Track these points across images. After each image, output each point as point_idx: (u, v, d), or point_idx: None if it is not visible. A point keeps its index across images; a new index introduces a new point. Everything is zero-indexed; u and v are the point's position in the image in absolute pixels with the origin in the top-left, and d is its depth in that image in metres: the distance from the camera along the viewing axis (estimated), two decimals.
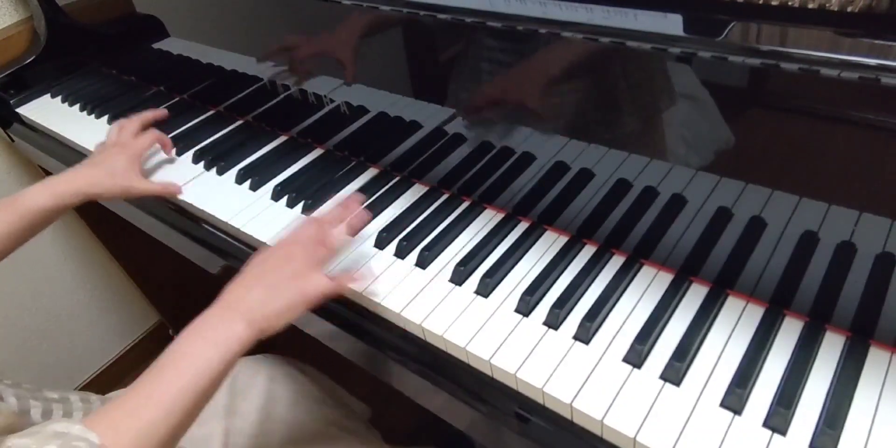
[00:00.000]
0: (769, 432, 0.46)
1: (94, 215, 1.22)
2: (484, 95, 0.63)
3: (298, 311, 0.56)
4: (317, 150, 0.84)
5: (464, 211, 0.69)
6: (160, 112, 0.88)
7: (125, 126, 0.83)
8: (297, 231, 0.61)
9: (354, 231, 0.65)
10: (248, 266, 0.58)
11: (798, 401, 0.47)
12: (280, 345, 0.73)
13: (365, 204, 0.72)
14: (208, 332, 0.52)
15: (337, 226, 0.63)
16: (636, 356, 0.51)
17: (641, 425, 0.47)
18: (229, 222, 0.73)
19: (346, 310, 0.64)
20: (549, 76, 0.56)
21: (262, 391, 0.78)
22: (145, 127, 0.85)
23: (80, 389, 1.07)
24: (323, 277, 0.57)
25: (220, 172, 0.82)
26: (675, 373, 0.50)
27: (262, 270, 0.57)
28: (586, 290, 0.59)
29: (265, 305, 0.54)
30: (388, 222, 0.69)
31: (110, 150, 0.80)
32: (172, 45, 0.93)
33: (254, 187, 0.78)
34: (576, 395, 0.50)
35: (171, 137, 0.90)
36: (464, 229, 0.67)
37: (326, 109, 0.80)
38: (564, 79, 0.56)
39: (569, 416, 0.50)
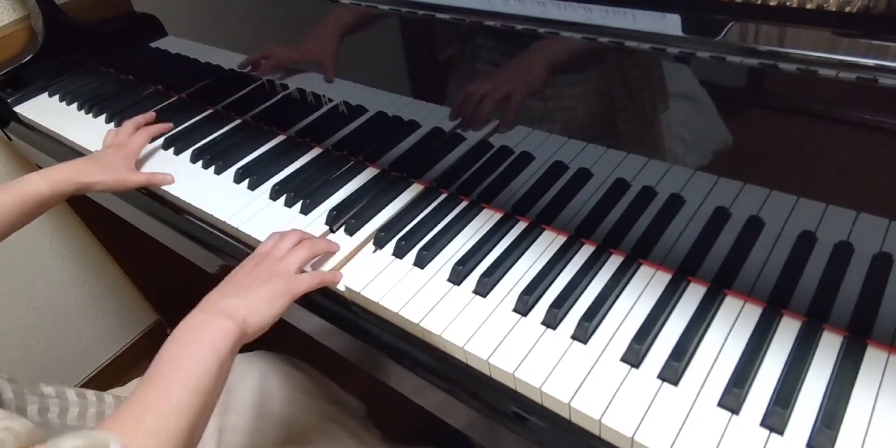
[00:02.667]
0: (766, 432, 0.46)
1: (93, 215, 1.21)
2: (482, 94, 0.62)
3: (281, 303, 0.56)
4: (315, 149, 0.84)
5: (462, 210, 0.69)
6: (150, 115, 0.91)
7: (120, 130, 0.87)
8: (263, 244, 0.64)
9: (325, 249, 0.66)
10: (220, 283, 0.59)
11: (795, 400, 0.47)
12: (274, 342, 0.73)
13: (364, 202, 0.72)
14: (191, 335, 0.52)
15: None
16: (634, 356, 0.52)
17: (639, 425, 0.47)
18: (227, 221, 0.73)
19: (342, 308, 0.64)
20: (546, 76, 0.56)
21: (256, 388, 0.78)
22: (138, 128, 0.88)
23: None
24: (301, 275, 0.59)
25: (219, 172, 0.82)
26: (672, 372, 0.50)
27: (234, 278, 0.59)
28: (584, 289, 0.59)
29: (243, 302, 0.55)
30: (385, 221, 0.69)
31: (106, 149, 0.84)
32: (170, 43, 0.93)
33: (252, 186, 0.78)
34: (574, 395, 0.50)
35: (170, 137, 0.90)
36: (462, 229, 0.67)
37: (325, 109, 0.80)
38: (562, 79, 0.56)
39: (567, 416, 0.51)
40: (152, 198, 0.84)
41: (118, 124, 0.96)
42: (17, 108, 1.05)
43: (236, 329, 0.52)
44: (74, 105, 1.02)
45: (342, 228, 0.70)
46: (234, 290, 0.57)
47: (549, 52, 0.55)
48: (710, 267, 0.56)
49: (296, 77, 0.79)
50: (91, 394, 0.69)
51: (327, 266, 0.65)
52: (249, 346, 0.56)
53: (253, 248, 0.72)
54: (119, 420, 0.46)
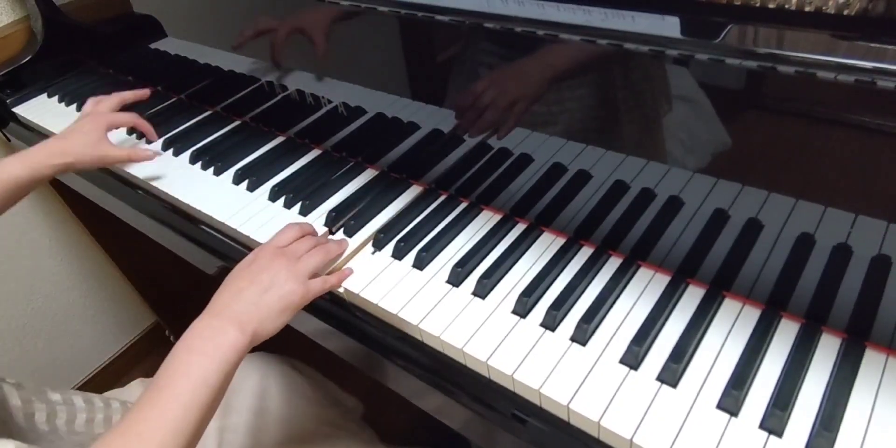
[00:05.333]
0: (765, 434, 0.46)
1: (91, 216, 1.21)
2: (483, 97, 0.62)
3: (290, 311, 0.55)
4: (314, 150, 0.84)
5: (461, 212, 0.69)
6: (141, 92, 0.86)
7: (102, 100, 0.82)
8: (280, 235, 0.62)
9: (339, 254, 0.65)
10: (232, 273, 0.58)
11: (794, 402, 0.47)
12: (274, 343, 0.73)
13: (363, 204, 0.72)
14: (200, 344, 0.51)
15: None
16: (633, 358, 0.52)
17: (638, 427, 0.47)
18: (226, 223, 0.73)
19: (341, 310, 0.64)
20: (546, 79, 0.56)
21: (256, 388, 0.78)
22: (124, 107, 0.84)
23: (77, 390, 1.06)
24: (313, 279, 0.58)
25: (218, 173, 0.82)
26: (671, 374, 0.50)
27: (248, 274, 0.57)
28: (583, 291, 0.59)
29: (256, 309, 0.53)
30: (385, 223, 0.69)
31: (82, 120, 0.79)
32: (170, 45, 0.93)
33: (251, 188, 0.78)
34: (573, 397, 0.50)
35: (169, 138, 0.90)
36: (461, 230, 0.67)
37: (324, 110, 0.80)
38: (562, 81, 0.56)
39: (565, 418, 0.50)
40: (151, 198, 0.84)
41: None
42: (17, 109, 1.05)
43: (244, 341, 0.52)
44: (74, 106, 1.02)
45: (341, 230, 0.70)
46: (248, 290, 0.55)
47: (555, 57, 0.54)
48: (709, 269, 0.56)
49: (296, 78, 0.79)
50: (98, 399, 0.69)
51: (327, 268, 0.65)
52: None
53: (250, 249, 0.72)
54: (122, 435, 0.46)
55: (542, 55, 0.55)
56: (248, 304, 0.54)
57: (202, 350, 0.50)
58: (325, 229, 0.70)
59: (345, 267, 0.64)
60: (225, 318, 0.53)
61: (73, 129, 0.77)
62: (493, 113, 0.62)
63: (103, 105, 0.82)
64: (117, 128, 0.82)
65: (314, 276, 0.60)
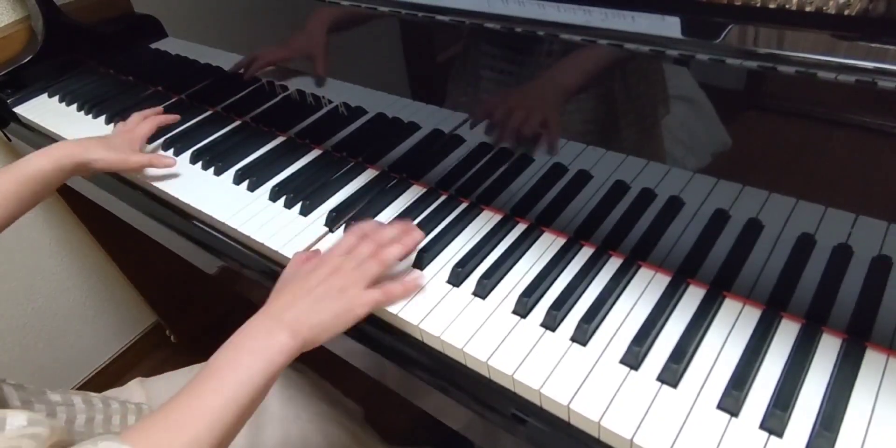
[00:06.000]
0: (766, 434, 0.46)
1: (92, 216, 1.21)
2: (489, 104, 0.62)
3: (345, 325, 0.55)
4: (315, 150, 0.84)
5: (461, 212, 0.69)
6: (159, 109, 0.91)
7: (128, 120, 0.87)
8: (346, 242, 0.60)
9: (407, 253, 0.61)
10: (292, 275, 0.58)
11: (795, 403, 0.47)
12: None
13: (363, 204, 0.72)
14: (251, 343, 0.51)
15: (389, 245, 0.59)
16: (633, 358, 0.52)
17: (638, 427, 0.47)
18: (227, 223, 0.73)
19: None
20: (550, 81, 0.56)
21: None
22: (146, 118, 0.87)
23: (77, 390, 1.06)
24: (372, 291, 0.56)
25: (218, 173, 0.82)
26: (672, 375, 0.50)
27: (308, 281, 0.56)
28: (584, 291, 0.59)
29: (311, 317, 0.53)
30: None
31: (119, 134, 0.84)
32: (170, 45, 0.93)
33: (251, 188, 0.78)
34: (573, 397, 0.50)
35: (170, 138, 0.90)
36: (461, 231, 0.67)
37: (325, 110, 0.80)
38: (564, 82, 0.56)
39: (566, 418, 0.50)
40: (152, 199, 0.84)
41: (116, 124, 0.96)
42: (17, 109, 1.05)
43: (294, 346, 0.51)
44: (74, 106, 1.02)
45: (342, 230, 0.70)
46: (305, 299, 0.54)
47: (549, 57, 0.54)
48: (710, 269, 0.56)
49: (296, 78, 0.79)
50: (97, 399, 0.69)
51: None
52: None
53: (251, 249, 0.72)
54: (161, 420, 0.46)
55: (543, 58, 0.55)
56: (303, 311, 0.53)
57: (251, 349, 0.50)
58: (326, 229, 0.70)
59: (409, 277, 0.60)
60: (279, 320, 0.53)
61: (103, 136, 0.82)
62: (537, 129, 0.59)
63: (131, 122, 0.86)
64: (146, 140, 0.85)
65: (378, 280, 0.58)
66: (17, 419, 0.43)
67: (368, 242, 0.59)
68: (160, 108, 0.91)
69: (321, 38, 0.71)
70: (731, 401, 0.47)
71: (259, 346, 0.51)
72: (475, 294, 0.60)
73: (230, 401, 0.47)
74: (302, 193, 0.75)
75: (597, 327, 0.55)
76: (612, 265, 0.61)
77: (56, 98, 1.06)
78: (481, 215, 0.69)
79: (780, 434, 0.46)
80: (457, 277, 0.61)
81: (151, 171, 0.83)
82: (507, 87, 0.61)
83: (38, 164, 0.73)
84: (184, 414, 0.46)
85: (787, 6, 0.42)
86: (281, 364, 0.51)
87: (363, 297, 0.56)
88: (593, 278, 0.60)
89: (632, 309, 0.56)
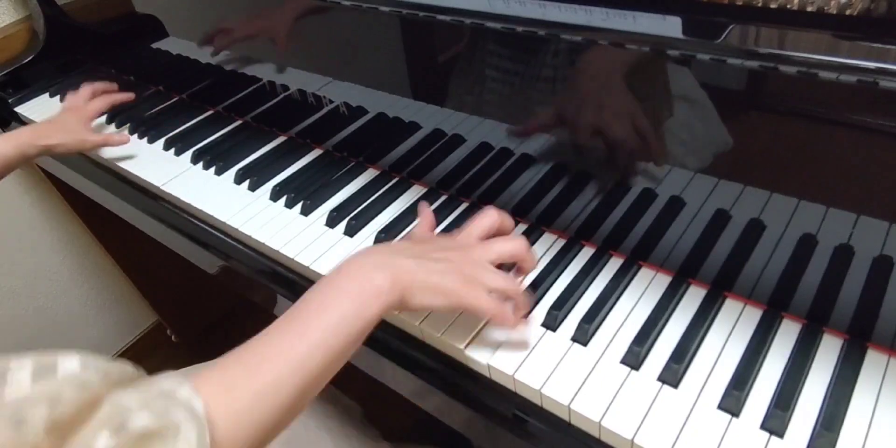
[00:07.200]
0: (767, 435, 0.46)
1: (93, 215, 1.22)
2: (496, 106, 0.63)
3: (446, 301, 0.47)
4: (315, 150, 0.84)
5: (462, 212, 0.69)
6: (112, 85, 0.94)
7: (77, 93, 0.90)
8: (483, 225, 0.53)
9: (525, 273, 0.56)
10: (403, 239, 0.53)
11: (796, 403, 0.47)
12: None
13: (364, 205, 0.72)
14: (346, 283, 0.46)
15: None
16: (634, 358, 0.51)
17: (639, 427, 0.47)
18: (227, 222, 0.73)
19: None
20: (553, 82, 0.56)
21: None
22: (96, 96, 0.91)
23: None
24: (491, 298, 0.49)
25: (219, 172, 0.82)
26: (672, 375, 0.50)
27: (423, 243, 0.51)
28: (584, 291, 0.59)
29: (415, 272, 0.47)
30: (386, 224, 0.69)
31: (63, 113, 0.87)
32: (171, 44, 0.93)
33: (252, 187, 0.78)
34: (573, 397, 0.50)
35: (171, 138, 0.90)
36: None
37: (325, 110, 0.80)
38: (566, 83, 0.56)
39: (566, 418, 0.50)
40: (152, 199, 0.84)
41: (119, 125, 0.96)
42: (18, 109, 1.05)
43: (391, 290, 0.45)
44: None
45: (342, 230, 0.70)
46: (416, 258, 0.48)
47: (552, 58, 0.54)
48: (711, 269, 0.56)
49: (297, 78, 0.79)
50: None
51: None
52: None
53: (252, 249, 0.72)
54: (239, 362, 0.41)
55: (546, 59, 0.55)
56: (410, 264, 0.47)
57: (347, 289, 0.45)
58: (326, 229, 0.70)
59: (523, 320, 0.53)
60: (381, 262, 0.47)
61: (54, 118, 0.86)
62: (630, 137, 0.55)
63: (79, 97, 0.89)
64: (97, 117, 0.90)
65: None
66: (70, 363, 0.36)
67: (515, 241, 0.53)
68: (115, 85, 0.94)
69: (287, 20, 0.72)
70: (732, 401, 0.47)
71: (354, 286, 0.45)
72: None
73: (317, 346, 0.42)
74: (303, 193, 0.75)
75: (597, 327, 0.55)
76: (613, 265, 0.61)
77: (57, 98, 1.06)
78: None
79: (780, 434, 0.46)
80: None
81: (152, 171, 0.83)
82: (512, 89, 0.60)
83: (3, 150, 0.77)
84: (264, 357, 0.41)
85: (788, 6, 0.42)
86: (375, 311, 0.45)
87: (477, 294, 0.48)
88: (594, 278, 0.60)
89: (633, 309, 0.56)
